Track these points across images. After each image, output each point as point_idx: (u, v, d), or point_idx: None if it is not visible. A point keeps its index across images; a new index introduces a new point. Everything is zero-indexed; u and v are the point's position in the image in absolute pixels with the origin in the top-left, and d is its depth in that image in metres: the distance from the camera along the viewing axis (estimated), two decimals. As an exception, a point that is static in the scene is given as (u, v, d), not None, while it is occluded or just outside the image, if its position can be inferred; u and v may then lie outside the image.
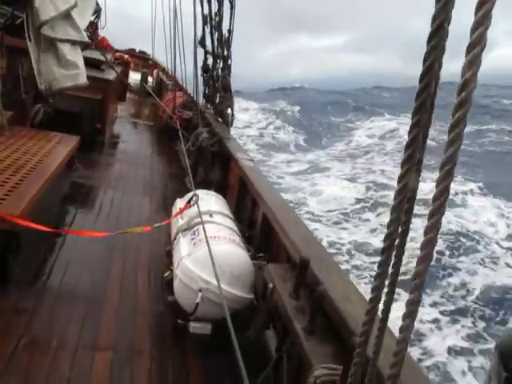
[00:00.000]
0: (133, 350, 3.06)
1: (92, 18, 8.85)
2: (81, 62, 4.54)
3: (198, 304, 3.10)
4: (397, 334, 1.06)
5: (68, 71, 4.44)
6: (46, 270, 3.69)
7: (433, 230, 0.91)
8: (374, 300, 1.18)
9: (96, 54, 8.23)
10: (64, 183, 4.88)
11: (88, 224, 4.73)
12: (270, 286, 2.77)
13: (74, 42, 4.46)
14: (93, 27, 9.22)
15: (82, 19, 4.78)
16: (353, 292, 2.49)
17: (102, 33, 10.25)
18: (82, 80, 4.58)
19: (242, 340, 3.13)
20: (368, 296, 1.29)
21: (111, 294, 3.60)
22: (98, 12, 9.04)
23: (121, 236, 4.32)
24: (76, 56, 4.51)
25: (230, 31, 6.30)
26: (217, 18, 6.24)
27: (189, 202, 3.63)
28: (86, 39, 4.65)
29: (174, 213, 3.98)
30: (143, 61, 13.01)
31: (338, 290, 2.41)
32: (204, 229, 3.03)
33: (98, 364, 2.84)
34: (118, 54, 10.12)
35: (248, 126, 34.29)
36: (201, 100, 7.59)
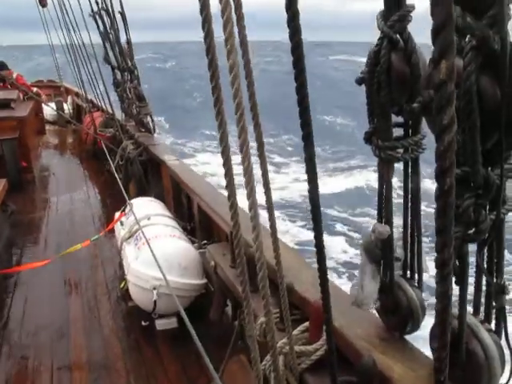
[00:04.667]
0: (106, 362, 3.22)
1: None
2: None
3: (155, 301, 3.30)
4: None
5: None
6: (4, 314, 3.77)
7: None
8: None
9: (2, 94, 8.11)
10: (2, 227, 4.89)
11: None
12: (212, 263, 3.01)
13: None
14: None
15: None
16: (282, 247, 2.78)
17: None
18: None
19: (206, 322, 3.36)
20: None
21: (74, 317, 3.74)
22: None
23: (73, 260, 4.45)
24: None
25: (128, 42, 6.41)
26: (113, 32, 6.32)
27: (123, 211, 3.80)
28: None
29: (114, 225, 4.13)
30: (54, 89, 12.75)
31: (267, 249, 2.68)
32: (142, 232, 3.23)
33: (77, 382, 3.01)
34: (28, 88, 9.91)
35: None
36: (120, 115, 7.67)
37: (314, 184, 1.17)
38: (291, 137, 26.28)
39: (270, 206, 1.27)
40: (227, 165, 1.04)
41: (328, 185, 15.84)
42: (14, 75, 9.77)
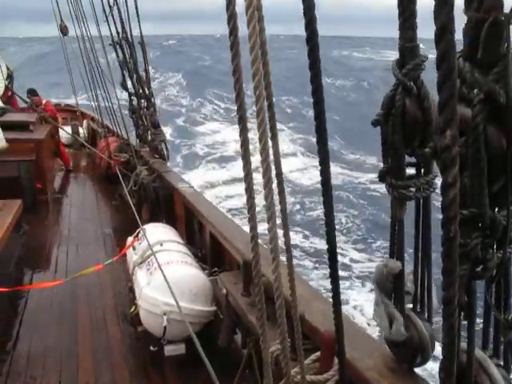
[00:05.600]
0: None
1: (5, 83, 9.11)
2: None
3: (165, 327, 3.34)
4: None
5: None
6: (13, 333, 3.82)
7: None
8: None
9: (22, 116, 8.35)
10: (14, 247, 4.98)
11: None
12: (224, 291, 3.06)
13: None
14: (7, 92, 9.40)
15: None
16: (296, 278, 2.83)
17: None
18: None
19: (215, 349, 3.39)
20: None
21: (83, 339, 3.78)
22: (10, 76, 9.27)
23: (83, 283, 4.51)
24: None
25: (146, 71, 6.63)
26: (131, 60, 6.55)
27: (136, 236, 3.87)
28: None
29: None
30: (71, 113, 13.05)
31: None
32: (155, 257, 3.29)
33: None
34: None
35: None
36: (135, 141, 7.85)
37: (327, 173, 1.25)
38: (290, 98, 27.11)
39: (287, 240, 1.34)
40: (250, 202, 1.12)
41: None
42: (44, 101, 10.15)
